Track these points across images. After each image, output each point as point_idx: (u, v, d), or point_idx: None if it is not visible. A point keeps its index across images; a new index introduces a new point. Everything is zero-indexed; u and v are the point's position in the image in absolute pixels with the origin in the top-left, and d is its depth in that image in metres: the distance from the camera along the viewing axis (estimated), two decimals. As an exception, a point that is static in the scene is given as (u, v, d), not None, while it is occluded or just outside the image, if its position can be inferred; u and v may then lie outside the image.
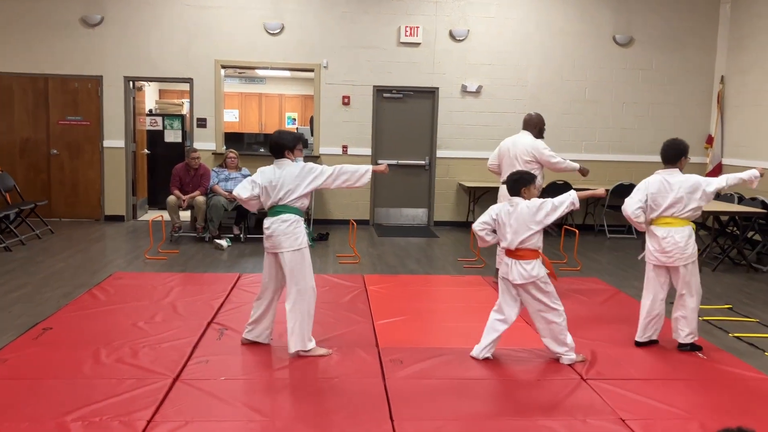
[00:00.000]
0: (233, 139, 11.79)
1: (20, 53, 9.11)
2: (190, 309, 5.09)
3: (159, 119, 10.83)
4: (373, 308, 5.27)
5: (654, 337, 4.56)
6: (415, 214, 9.99)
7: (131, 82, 9.50)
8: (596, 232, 9.58)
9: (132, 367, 3.90)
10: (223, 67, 9.55)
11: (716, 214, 7.41)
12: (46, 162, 9.39)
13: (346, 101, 9.54)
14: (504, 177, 5.94)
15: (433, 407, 3.49)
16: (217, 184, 8.35)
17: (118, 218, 9.54)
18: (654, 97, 9.86)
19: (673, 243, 4.35)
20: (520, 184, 4.15)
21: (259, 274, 6.46)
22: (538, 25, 9.61)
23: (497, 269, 6.20)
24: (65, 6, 9.07)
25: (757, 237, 7.85)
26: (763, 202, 7.58)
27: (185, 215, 8.62)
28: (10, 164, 9.22)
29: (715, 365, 4.21)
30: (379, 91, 9.62)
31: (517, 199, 4.12)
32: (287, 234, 4.14)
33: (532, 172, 6.00)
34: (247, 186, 4.36)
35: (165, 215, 8.02)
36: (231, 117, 13.79)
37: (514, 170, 4.54)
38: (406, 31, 9.41)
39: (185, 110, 11.35)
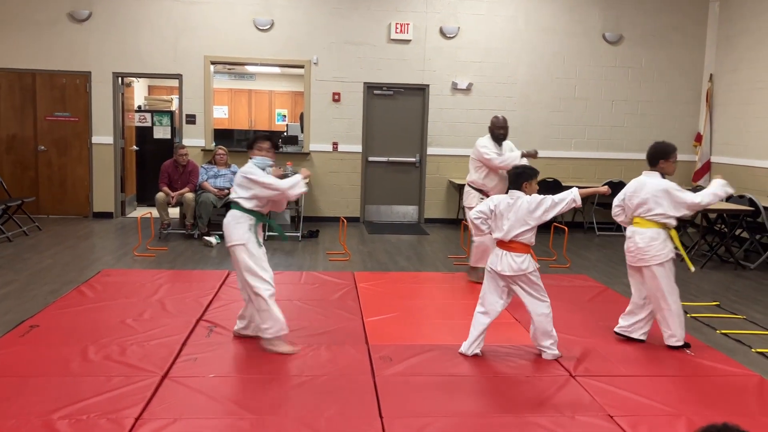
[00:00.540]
0: (223, 135, 11.76)
1: (7, 48, 9.02)
2: (178, 306, 5.07)
3: (148, 115, 10.77)
4: (362, 305, 5.27)
5: (635, 336, 4.57)
6: (406, 212, 9.99)
7: (120, 78, 9.44)
8: (585, 230, 9.62)
9: (120, 364, 3.88)
10: (213, 63, 9.50)
11: (704, 212, 7.46)
12: (34, 158, 9.32)
13: (336, 98, 9.53)
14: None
15: (422, 404, 3.49)
16: (206, 180, 8.32)
17: (107, 215, 9.49)
18: (643, 94, 9.91)
19: (633, 243, 4.46)
20: (522, 178, 4.18)
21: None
22: (527, 22, 9.63)
23: (471, 267, 6.24)
24: (53, 1, 8.99)
25: (745, 235, 7.90)
26: (750, 200, 7.63)
27: (174, 212, 8.58)
28: (-3, 160, 9.15)
29: (702, 362, 4.24)
30: (370, 88, 9.61)
31: (518, 193, 4.14)
32: (229, 227, 4.23)
33: (478, 171, 6.09)
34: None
35: (154, 212, 7.98)
36: (220, 113, 13.73)
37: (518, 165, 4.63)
38: (397, 27, 9.40)
39: (174, 106, 11.29)
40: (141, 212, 8.68)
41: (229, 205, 8.15)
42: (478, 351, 4.20)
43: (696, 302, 5.80)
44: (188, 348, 4.21)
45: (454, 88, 9.63)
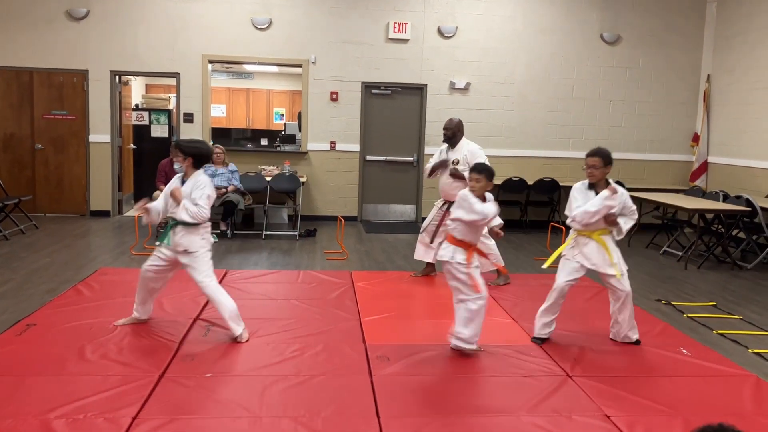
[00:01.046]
0: (220, 134, 11.75)
1: (4, 47, 9.01)
2: (176, 305, 5.07)
3: (145, 114, 10.76)
4: (360, 305, 5.27)
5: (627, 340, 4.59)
6: (403, 211, 9.99)
7: (117, 77, 9.43)
8: (583, 230, 9.61)
9: (117, 363, 3.87)
10: (211, 61, 9.49)
11: (701, 212, 7.47)
12: (31, 157, 9.30)
13: (334, 97, 9.52)
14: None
15: (419, 404, 3.49)
16: (204, 179, 8.30)
17: (104, 213, 9.48)
18: (640, 95, 9.92)
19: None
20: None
21: (247, 270, 6.46)
22: (525, 22, 9.63)
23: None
24: (50, -1, 8.99)
25: (742, 235, 7.91)
26: (747, 200, 7.64)
27: (172, 211, 8.56)
28: (-6, 158, 9.14)
29: (699, 362, 4.24)
30: (368, 88, 9.61)
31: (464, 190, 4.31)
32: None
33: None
34: None
35: (151, 211, 7.95)
36: (218, 112, 13.72)
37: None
38: (395, 27, 9.40)
39: (172, 105, 11.27)
40: (138, 211, 8.65)
41: (228, 203, 8.18)
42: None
43: (693, 302, 5.82)
44: (185, 347, 4.20)
45: (452, 87, 9.63)
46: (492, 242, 6.10)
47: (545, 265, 4.66)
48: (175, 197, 4.30)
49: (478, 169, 4.27)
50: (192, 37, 9.23)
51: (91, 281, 5.75)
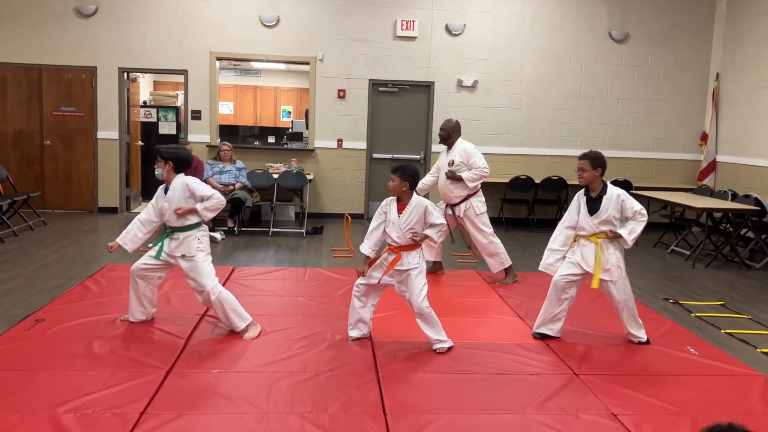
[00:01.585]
0: (228, 131, 11.78)
1: (14, 43, 9.05)
2: (183, 302, 5.08)
3: (153, 111, 10.79)
4: (366, 302, 5.26)
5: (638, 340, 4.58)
6: (410, 209, 9.96)
7: (126, 74, 9.46)
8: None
9: (125, 359, 3.89)
10: (219, 59, 9.51)
11: (710, 211, 7.44)
12: (40, 153, 9.35)
13: (341, 95, 9.52)
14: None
15: (425, 401, 3.49)
16: (212, 176, 8.33)
17: (112, 210, 9.51)
18: (649, 93, 9.88)
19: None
20: None
21: (254, 267, 6.47)
22: (533, 20, 9.60)
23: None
24: (59, -4, 9.02)
25: (750, 234, 7.88)
26: (756, 199, 7.61)
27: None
28: (3, 155, 9.18)
29: (707, 361, 4.23)
30: (375, 85, 9.60)
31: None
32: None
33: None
34: None
35: (159, 207, 7.98)
36: (226, 109, 13.74)
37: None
38: (402, 24, 9.39)
39: (180, 102, 11.31)
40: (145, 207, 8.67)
41: (235, 201, 8.19)
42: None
43: (701, 301, 5.79)
44: (193, 343, 4.22)
45: (460, 85, 9.62)
46: (497, 240, 6.11)
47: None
48: (186, 213, 4.28)
49: (392, 169, 4.23)
50: (200, 34, 9.25)
51: (98, 277, 5.78)
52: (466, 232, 6.24)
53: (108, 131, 9.40)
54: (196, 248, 4.33)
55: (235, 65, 13.52)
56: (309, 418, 3.22)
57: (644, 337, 4.51)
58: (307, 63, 9.53)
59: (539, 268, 4.63)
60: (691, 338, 4.69)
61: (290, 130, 11.32)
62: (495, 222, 9.72)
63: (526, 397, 3.59)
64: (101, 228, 8.48)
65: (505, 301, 5.47)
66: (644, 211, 4.33)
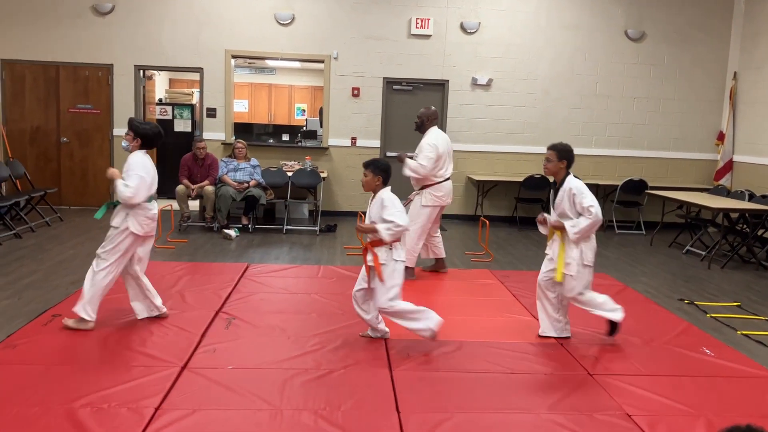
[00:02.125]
0: (243, 129, 11.80)
1: (32, 41, 9.14)
2: (198, 298, 5.12)
3: (169, 108, 10.85)
4: (380, 300, 5.27)
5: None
6: (423, 207, 9.96)
7: (141, 71, 9.52)
8: (605, 228, 9.54)
9: (140, 354, 3.92)
10: (234, 57, 9.55)
11: (726, 212, 7.37)
12: (56, 150, 9.43)
13: (355, 93, 9.53)
14: (449, 172, 6.12)
15: (439, 399, 3.49)
16: (226, 174, 8.37)
17: (127, 207, 9.56)
18: (665, 92, 9.80)
19: None
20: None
21: (268, 264, 6.50)
22: (549, 18, 9.56)
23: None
24: (77, -6, 9.10)
25: (767, 235, 7.80)
26: (773, 199, 7.53)
27: (194, 205, 8.65)
28: (21, 152, 9.28)
29: (723, 362, 4.20)
30: (389, 83, 9.60)
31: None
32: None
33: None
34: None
35: (174, 204, 8.05)
36: (241, 107, 13.81)
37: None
38: (417, 23, 9.38)
39: (195, 100, 11.37)
40: (161, 204, 8.70)
41: (250, 198, 8.23)
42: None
43: (716, 302, 5.75)
44: (207, 339, 4.24)
45: (474, 83, 9.59)
46: (420, 241, 6.07)
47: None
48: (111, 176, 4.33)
49: (364, 164, 4.22)
50: (215, 32, 9.29)
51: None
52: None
53: (124, 128, 9.34)
54: (122, 224, 4.31)
55: (250, 63, 13.58)
56: (323, 415, 3.24)
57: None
58: (322, 61, 9.55)
59: None
60: (706, 339, 4.65)
61: (304, 128, 11.35)
62: (509, 221, 9.75)
63: (539, 397, 3.58)
64: (117, 224, 8.53)
65: (519, 301, 5.46)
66: (594, 210, 4.20)
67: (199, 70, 9.43)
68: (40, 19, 9.09)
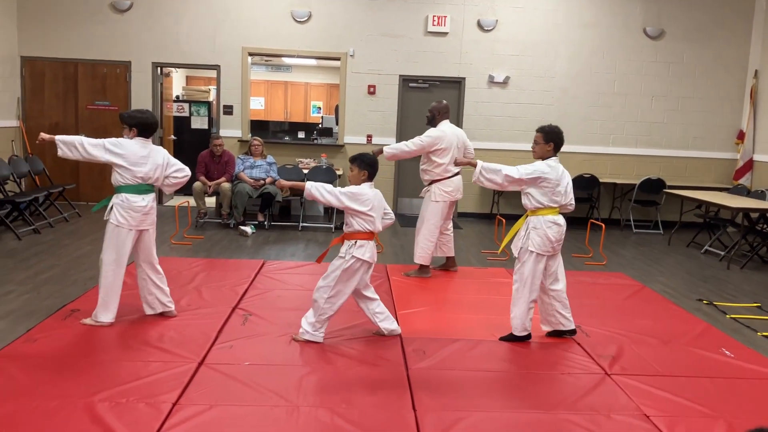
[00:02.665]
0: (259, 126, 11.85)
1: (51, 39, 9.21)
2: (214, 294, 5.14)
3: (186, 106, 10.91)
4: (395, 298, 5.27)
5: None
6: (439, 205, 9.94)
7: (159, 68, 9.57)
8: (622, 227, 9.48)
9: (158, 350, 3.95)
10: (250, 54, 9.57)
11: (746, 211, 7.29)
12: (75, 146, 9.49)
13: (371, 90, 9.52)
14: (452, 164, 6.01)
15: (455, 398, 3.48)
16: (243, 171, 8.40)
17: (145, 203, 9.63)
18: (684, 91, 9.70)
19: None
20: None
21: (284, 261, 6.51)
22: (567, 16, 9.49)
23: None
24: (96, -8, 9.16)
25: (788, 235, 7.70)
26: (794, 199, 7.43)
27: (210, 202, 8.69)
28: (40, 148, 9.34)
29: (742, 363, 4.15)
30: (405, 81, 9.58)
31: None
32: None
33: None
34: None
35: (191, 201, 8.09)
36: (257, 105, 13.84)
37: None
38: (434, 20, 9.35)
39: (212, 97, 11.41)
40: (178, 201, 8.78)
41: (266, 195, 8.25)
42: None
43: (736, 303, 5.69)
44: (224, 335, 4.26)
45: (491, 81, 9.55)
46: (432, 238, 6.02)
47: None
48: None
49: (350, 159, 4.24)
50: (232, 29, 9.32)
51: (131, 269, 5.83)
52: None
53: (141, 125, 9.50)
54: (113, 217, 4.36)
55: (266, 61, 13.61)
56: (338, 412, 3.24)
57: (519, 333, 4.34)
58: (338, 59, 9.55)
59: None
60: (726, 340, 4.60)
61: (320, 125, 11.36)
62: (525, 219, 9.68)
63: (557, 397, 3.56)
64: (134, 221, 8.59)
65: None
66: (516, 176, 4.25)
67: (216, 67, 9.47)
68: (60, 16, 9.17)
